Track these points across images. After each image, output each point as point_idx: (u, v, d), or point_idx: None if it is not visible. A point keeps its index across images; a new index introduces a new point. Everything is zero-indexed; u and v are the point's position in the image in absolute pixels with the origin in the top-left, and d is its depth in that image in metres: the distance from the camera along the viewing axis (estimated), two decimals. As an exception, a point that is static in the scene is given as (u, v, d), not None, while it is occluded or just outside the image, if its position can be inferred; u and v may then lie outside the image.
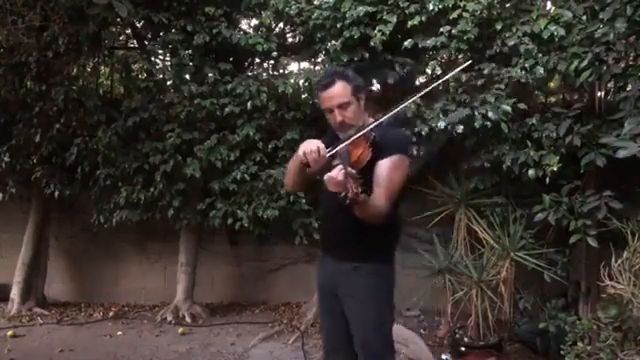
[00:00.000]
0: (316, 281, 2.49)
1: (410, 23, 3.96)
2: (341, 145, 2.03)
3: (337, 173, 1.81)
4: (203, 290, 5.30)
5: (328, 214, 2.32)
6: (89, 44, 4.58)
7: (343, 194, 1.81)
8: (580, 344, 3.23)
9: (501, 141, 3.90)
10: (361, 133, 2.06)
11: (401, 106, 2.25)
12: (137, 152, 4.62)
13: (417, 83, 4.46)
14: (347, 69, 2.36)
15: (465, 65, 2.93)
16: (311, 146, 2.03)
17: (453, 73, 2.83)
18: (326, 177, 1.83)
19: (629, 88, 3.49)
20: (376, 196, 1.99)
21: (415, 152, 3.98)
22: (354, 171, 1.82)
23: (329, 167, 1.97)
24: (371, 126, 2.11)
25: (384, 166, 2.07)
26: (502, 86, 3.81)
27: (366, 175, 1.99)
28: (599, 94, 3.94)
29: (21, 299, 5.10)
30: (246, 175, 4.43)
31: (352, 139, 2.05)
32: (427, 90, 2.59)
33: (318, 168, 2.07)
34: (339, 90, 2.16)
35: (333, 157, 2.03)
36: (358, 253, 2.20)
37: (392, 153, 2.09)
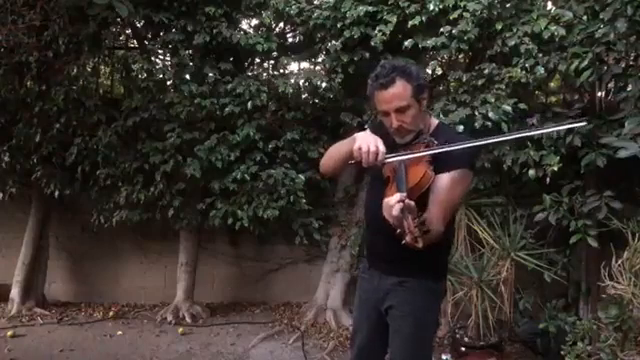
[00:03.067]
0: (358, 295, 2.28)
1: (410, 23, 3.96)
2: (399, 158, 1.81)
3: (394, 202, 1.60)
4: (203, 290, 5.30)
5: (376, 225, 2.05)
6: (89, 44, 4.59)
7: (398, 230, 1.63)
8: (580, 344, 3.24)
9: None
10: (427, 153, 1.82)
11: (490, 141, 2.00)
12: (137, 152, 4.63)
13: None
14: (409, 64, 2.01)
15: (580, 124, 2.75)
16: (371, 146, 1.79)
17: (566, 127, 2.79)
18: (384, 203, 1.68)
19: (629, 88, 3.50)
20: (431, 217, 1.72)
21: None
22: (412, 203, 1.60)
23: (378, 168, 1.85)
24: (440, 150, 1.82)
25: (444, 182, 1.81)
26: (502, 86, 3.81)
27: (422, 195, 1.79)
28: (599, 94, 3.95)
29: (21, 299, 5.08)
30: (246, 175, 4.42)
31: (414, 156, 1.82)
32: (525, 135, 2.63)
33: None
34: (398, 91, 1.87)
35: (385, 164, 1.83)
36: (407, 268, 2.00)
37: (454, 167, 1.83)
